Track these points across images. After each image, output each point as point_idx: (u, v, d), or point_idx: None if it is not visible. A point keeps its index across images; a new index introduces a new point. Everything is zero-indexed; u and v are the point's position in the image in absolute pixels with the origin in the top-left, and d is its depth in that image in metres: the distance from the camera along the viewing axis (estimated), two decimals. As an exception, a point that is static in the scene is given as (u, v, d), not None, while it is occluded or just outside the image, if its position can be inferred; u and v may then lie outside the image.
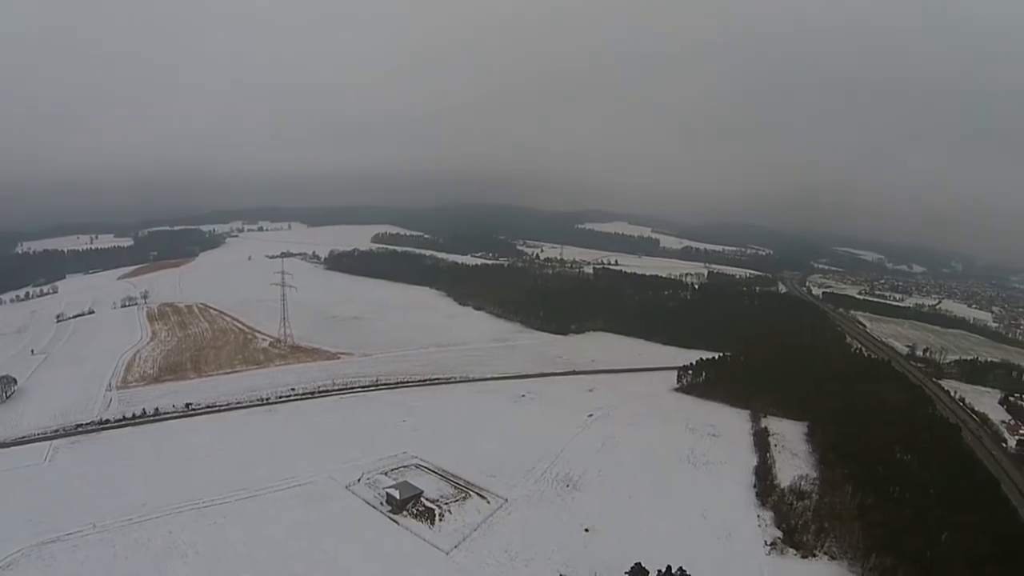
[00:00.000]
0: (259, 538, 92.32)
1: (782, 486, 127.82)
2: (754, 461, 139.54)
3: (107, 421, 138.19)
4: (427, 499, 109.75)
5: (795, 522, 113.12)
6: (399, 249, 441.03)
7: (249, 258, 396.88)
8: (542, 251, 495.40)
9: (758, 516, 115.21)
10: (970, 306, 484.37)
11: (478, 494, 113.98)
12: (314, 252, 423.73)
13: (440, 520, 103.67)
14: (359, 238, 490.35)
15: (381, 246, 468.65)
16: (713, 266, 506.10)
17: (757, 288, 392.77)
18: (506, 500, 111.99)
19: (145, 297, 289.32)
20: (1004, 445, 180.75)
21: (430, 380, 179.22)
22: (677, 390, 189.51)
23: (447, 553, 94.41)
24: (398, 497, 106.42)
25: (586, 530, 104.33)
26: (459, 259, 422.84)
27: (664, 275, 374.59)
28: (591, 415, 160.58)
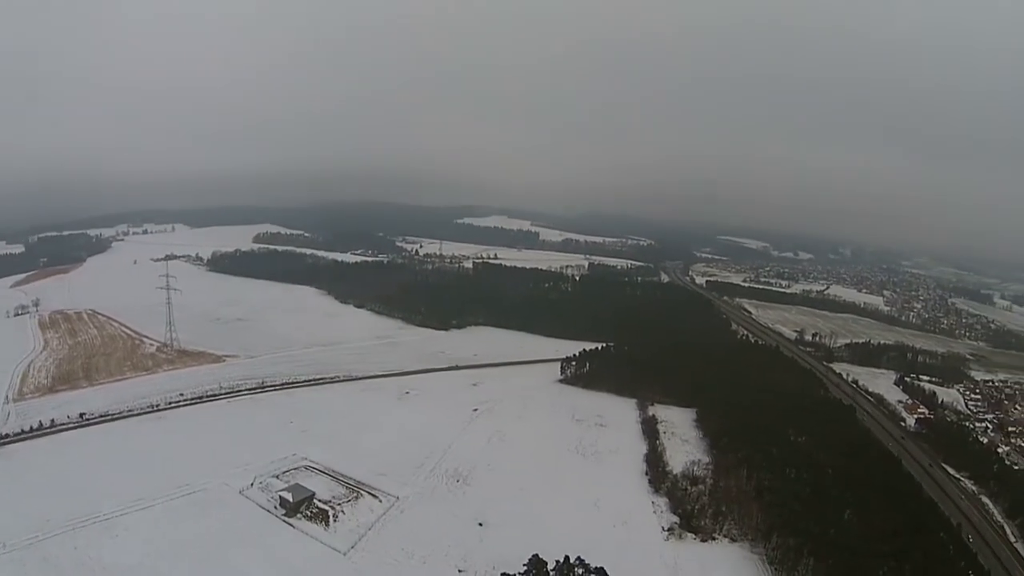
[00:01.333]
0: (161, 549, 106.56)
1: (675, 472, 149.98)
2: (644, 449, 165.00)
3: (7, 435, 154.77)
4: (320, 500, 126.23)
5: (691, 507, 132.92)
6: (280, 248, 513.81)
7: (135, 262, 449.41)
8: (421, 247, 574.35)
9: (652, 503, 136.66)
10: (860, 291, 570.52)
11: (370, 493, 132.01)
12: (197, 254, 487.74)
13: (335, 521, 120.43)
14: (241, 238, 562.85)
15: (263, 246, 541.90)
16: (594, 257, 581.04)
17: (639, 278, 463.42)
18: (398, 498, 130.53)
19: (36, 305, 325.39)
20: (903, 424, 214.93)
21: (315, 380, 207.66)
22: (561, 382, 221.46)
23: (344, 554, 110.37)
24: (291, 500, 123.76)
25: (480, 524, 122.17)
26: (339, 257, 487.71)
27: (544, 268, 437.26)
28: (476, 409, 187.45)
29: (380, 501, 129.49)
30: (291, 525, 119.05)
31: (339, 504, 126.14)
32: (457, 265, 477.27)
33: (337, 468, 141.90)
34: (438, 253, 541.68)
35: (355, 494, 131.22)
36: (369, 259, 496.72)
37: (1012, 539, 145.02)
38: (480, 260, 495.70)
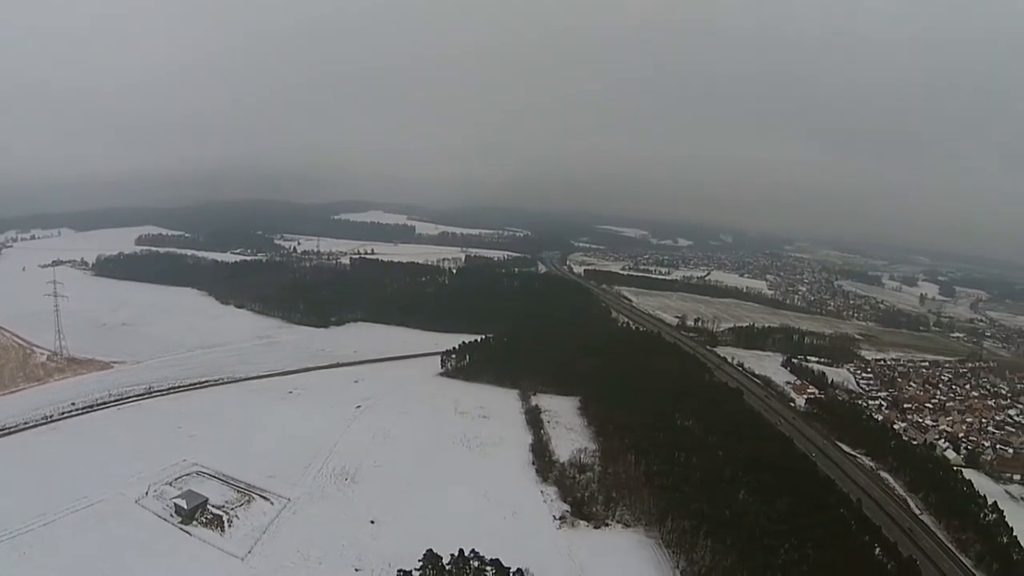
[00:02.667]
0: (66, 564, 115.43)
1: (562, 461, 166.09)
2: (529, 439, 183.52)
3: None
4: (213, 506, 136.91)
5: (581, 495, 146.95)
6: (162, 250, 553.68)
7: (23, 269, 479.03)
8: (299, 244, 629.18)
9: (542, 492, 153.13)
10: (742, 276, 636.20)
11: (261, 496, 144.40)
12: (82, 258, 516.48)
13: (229, 526, 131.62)
14: (125, 241, 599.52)
15: (146, 248, 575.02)
16: (471, 250, 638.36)
17: (516, 269, 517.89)
18: (289, 500, 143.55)
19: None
20: (793, 405, 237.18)
21: (200, 383, 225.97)
22: (442, 375, 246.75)
23: (242, 559, 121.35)
24: (185, 507, 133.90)
25: (372, 522, 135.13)
26: (219, 257, 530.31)
27: (422, 262, 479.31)
28: (359, 406, 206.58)
29: (272, 504, 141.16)
30: (188, 533, 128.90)
31: (232, 509, 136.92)
32: (334, 261, 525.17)
33: (228, 472, 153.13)
34: (315, 250, 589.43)
35: (247, 498, 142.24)
36: (248, 258, 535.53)
37: (917, 512, 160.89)
38: (357, 256, 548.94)
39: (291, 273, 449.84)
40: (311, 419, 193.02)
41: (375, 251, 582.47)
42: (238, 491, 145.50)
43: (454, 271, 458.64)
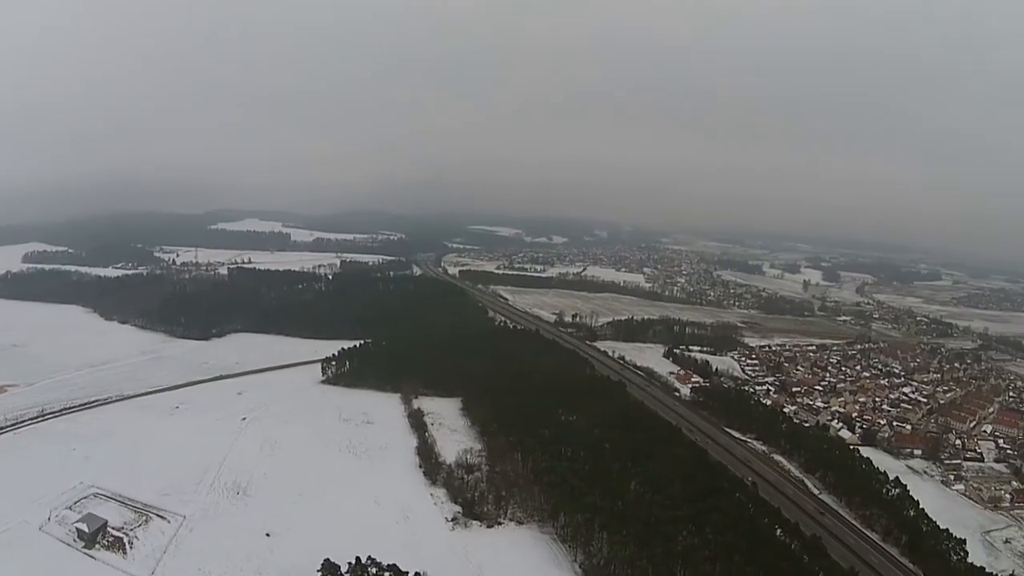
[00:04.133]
0: None
1: (448, 462, 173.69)
2: (415, 442, 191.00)
3: None
4: (113, 528, 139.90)
5: (471, 495, 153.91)
6: (47, 267, 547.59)
7: None
8: (178, 256, 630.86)
9: (431, 495, 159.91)
10: (619, 270, 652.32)
11: (158, 515, 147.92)
12: None
13: (131, 548, 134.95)
14: (12, 259, 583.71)
15: (31, 266, 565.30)
16: (345, 255, 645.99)
17: (392, 273, 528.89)
18: (185, 517, 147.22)
19: None
20: (677, 394, 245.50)
21: (91, 403, 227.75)
22: (324, 382, 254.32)
23: None
24: (87, 531, 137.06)
25: (268, 535, 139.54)
26: (102, 272, 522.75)
27: (298, 269, 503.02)
28: (245, 418, 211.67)
29: (169, 522, 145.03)
30: (92, 557, 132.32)
31: (132, 529, 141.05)
32: (213, 272, 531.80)
33: (124, 492, 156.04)
34: (194, 261, 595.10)
35: (145, 517, 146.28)
36: (130, 272, 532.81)
37: (816, 491, 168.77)
38: (235, 265, 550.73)
39: (171, 286, 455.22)
40: (200, 434, 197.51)
41: (252, 260, 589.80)
42: (135, 511, 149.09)
43: (330, 277, 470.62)
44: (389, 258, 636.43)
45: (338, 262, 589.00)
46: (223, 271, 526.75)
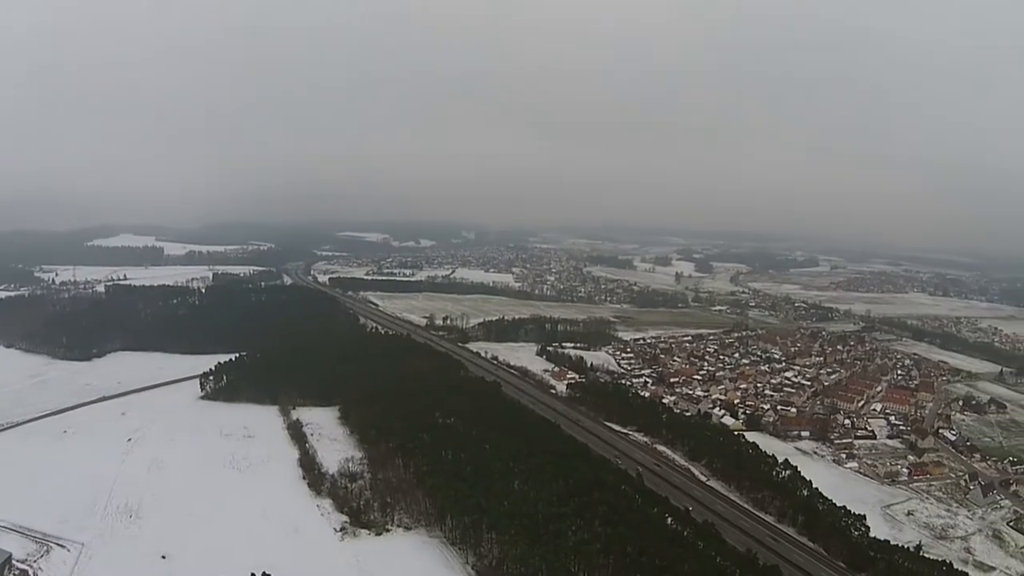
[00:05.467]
0: None
1: (331, 472, 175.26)
2: (296, 454, 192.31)
3: None
4: (18, 561, 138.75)
5: (356, 504, 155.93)
6: None
7: None
8: (57, 274, 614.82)
9: (318, 506, 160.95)
10: (488, 271, 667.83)
11: (58, 544, 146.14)
12: None
13: None
14: None
15: None
16: (217, 268, 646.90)
17: (263, 283, 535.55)
18: (83, 544, 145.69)
19: None
20: (554, 391, 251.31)
21: None
22: (204, 398, 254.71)
23: None
24: None
25: (163, 557, 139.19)
26: None
27: (172, 283, 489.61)
28: (130, 439, 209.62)
29: (68, 551, 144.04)
30: None
31: (35, 561, 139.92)
32: (90, 290, 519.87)
33: (22, 523, 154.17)
34: (72, 280, 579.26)
35: (45, 547, 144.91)
36: (12, 294, 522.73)
37: (703, 478, 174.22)
38: (111, 283, 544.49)
39: (51, 306, 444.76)
40: (89, 458, 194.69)
41: (127, 276, 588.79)
42: (36, 542, 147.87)
43: (203, 291, 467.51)
44: (260, 269, 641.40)
45: (211, 275, 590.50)
46: (100, 288, 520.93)
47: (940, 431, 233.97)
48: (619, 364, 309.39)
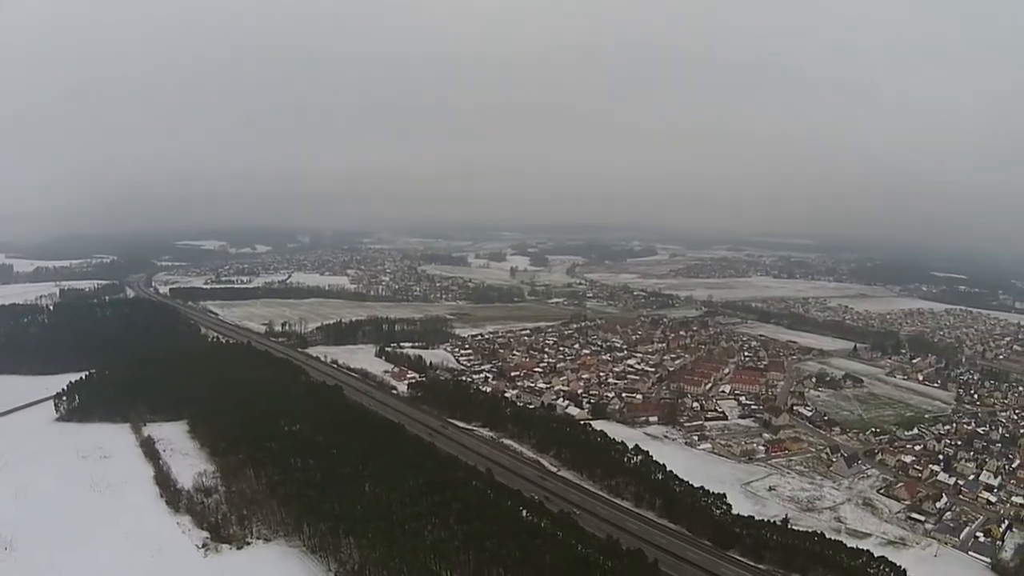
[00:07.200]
0: None
1: (187, 488, 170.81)
2: (151, 471, 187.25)
3: None
4: None
5: (214, 519, 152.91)
6: None
7: None
8: None
9: (177, 524, 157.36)
10: (323, 274, 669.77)
11: None
12: None
13: None
14: None
15: None
16: (64, 283, 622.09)
17: (107, 297, 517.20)
18: None
19: None
20: (395, 392, 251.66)
21: None
22: (59, 420, 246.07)
23: None
24: None
25: None
26: None
27: (21, 302, 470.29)
28: None
29: None
30: None
31: None
32: None
33: None
34: None
35: None
36: None
37: (554, 469, 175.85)
38: None
39: None
40: None
41: None
42: None
43: (51, 308, 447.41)
44: (104, 282, 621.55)
45: (57, 291, 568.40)
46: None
47: (795, 408, 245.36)
48: (458, 361, 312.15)
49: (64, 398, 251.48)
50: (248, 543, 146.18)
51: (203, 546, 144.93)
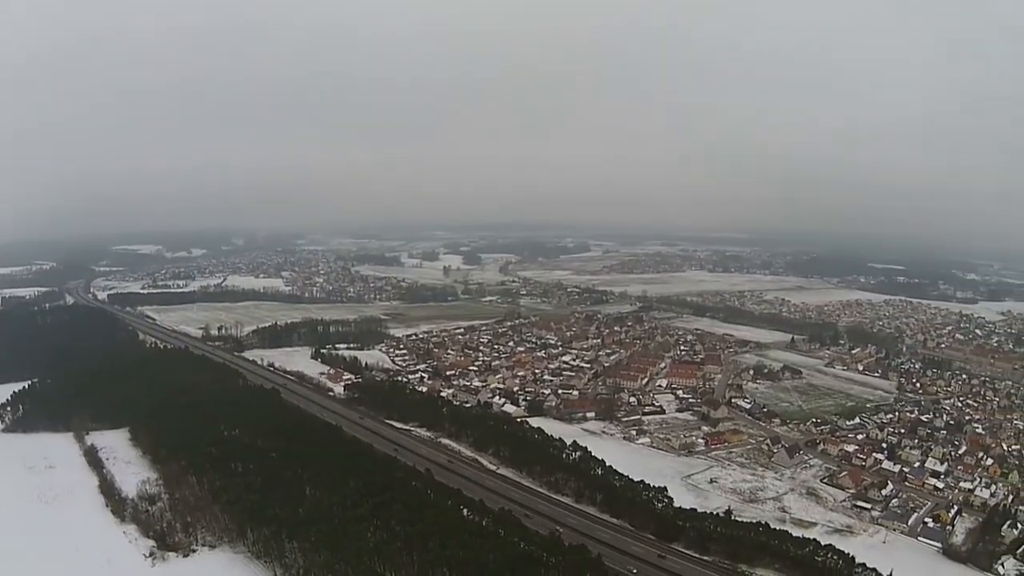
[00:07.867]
0: None
1: (131, 497, 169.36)
2: (96, 481, 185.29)
3: None
4: None
5: (159, 527, 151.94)
6: None
7: None
8: None
9: (124, 533, 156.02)
10: (258, 276, 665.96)
11: None
12: None
13: None
14: None
15: None
16: (5, 291, 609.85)
17: (48, 305, 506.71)
18: None
19: None
20: (332, 394, 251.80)
21: None
22: (5, 431, 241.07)
23: None
24: None
25: None
26: None
27: None
28: None
29: None
30: None
31: None
32: None
33: None
34: None
35: None
36: None
37: (493, 468, 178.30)
38: None
39: None
40: None
41: None
42: None
43: None
44: (44, 289, 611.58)
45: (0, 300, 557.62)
46: None
47: (733, 401, 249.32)
48: (393, 361, 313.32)
49: (8, 408, 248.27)
50: (194, 551, 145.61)
51: (150, 555, 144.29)
